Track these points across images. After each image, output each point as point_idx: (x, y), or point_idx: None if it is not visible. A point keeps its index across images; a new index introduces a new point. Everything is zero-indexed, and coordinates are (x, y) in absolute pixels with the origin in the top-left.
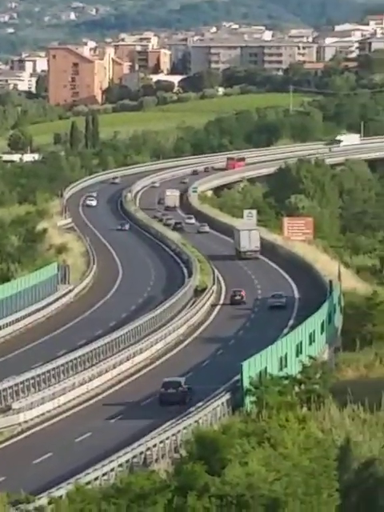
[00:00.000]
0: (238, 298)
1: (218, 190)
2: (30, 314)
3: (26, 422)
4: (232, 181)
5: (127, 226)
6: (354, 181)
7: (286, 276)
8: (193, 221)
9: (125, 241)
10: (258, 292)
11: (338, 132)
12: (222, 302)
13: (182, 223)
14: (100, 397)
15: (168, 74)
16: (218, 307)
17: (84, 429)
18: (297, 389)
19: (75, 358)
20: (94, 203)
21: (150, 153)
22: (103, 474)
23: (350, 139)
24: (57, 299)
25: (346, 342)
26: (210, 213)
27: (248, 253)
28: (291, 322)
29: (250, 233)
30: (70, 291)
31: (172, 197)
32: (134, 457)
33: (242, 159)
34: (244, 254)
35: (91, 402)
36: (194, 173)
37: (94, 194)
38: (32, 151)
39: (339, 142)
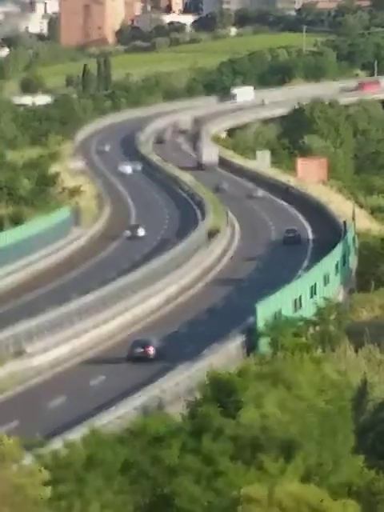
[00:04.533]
0: (291, 235)
1: (231, 131)
2: (43, 257)
3: (40, 365)
4: (245, 121)
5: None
6: (367, 121)
7: (300, 217)
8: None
9: (137, 182)
10: (272, 233)
11: (351, 72)
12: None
13: None
14: (114, 340)
15: (180, 14)
16: (232, 250)
17: (98, 372)
18: (311, 330)
19: (89, 301)
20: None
21: (163, 94)
22: (118, 418)
23: (244, 93)
24: (70, 242)
25: (360, 283)
26: (223, 155)
27: (207, 164)
28: (306, 264)
29: (210, 149)
30: (83, 234)
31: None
32: (149, 399)
33: (376, 82)
34: (204, 166)
35: (105, 345)
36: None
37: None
38: (44, 94)
39: (234, 96)
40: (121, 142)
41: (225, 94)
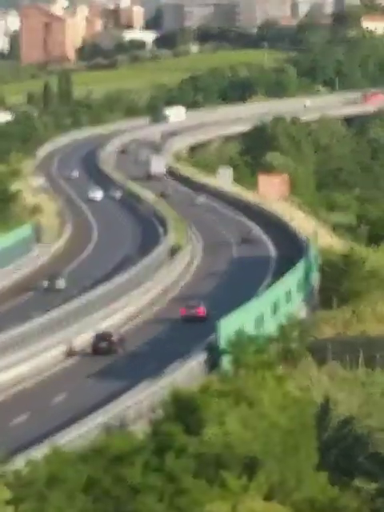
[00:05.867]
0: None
1: (193, 149)
2: (4, 275)
3: (1, 383)
4: (207, 139)
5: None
6: (329, 137)
7: (262, 234)
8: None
9: (99, 200)
10: (233, 251)
11: (312, 88)
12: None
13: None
14: (75, 357)
15: (141, 30)
16: (194, 266)
17: (60, 390)
18: (274, 348)
19: (50, 319)
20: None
21: (124, 111)
22: (80, 436)
23: (176, 114)
24: (32, 259)
25: (323, 300)
26: (185, 172)
27: (155, 174)
28: (268, 281)
29: (158, 159)
30: (45, 252)
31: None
32: (111, 418)
33: (382, 93)
34: (152, 176)
35: (66, 363)
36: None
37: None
38: (5, 111)
39: (166, 117)
40: (82, 160)
41: (157, 114)
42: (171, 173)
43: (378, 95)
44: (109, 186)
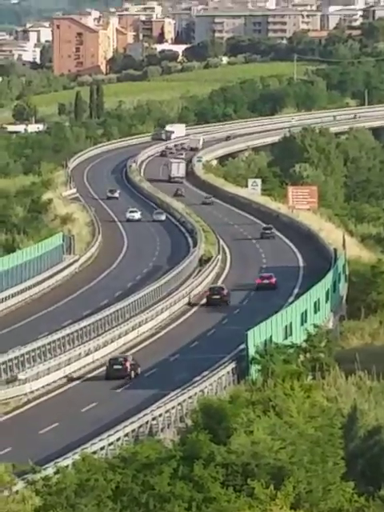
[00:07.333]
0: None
1: (222, 160)
2: (35, 285)
3: (32, 392)
4: (237, 150)
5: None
6: (358, 149)
7: (291, 244)
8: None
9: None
10: (263, 260)
11: (342, 101)
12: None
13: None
14: (106, 367)
15: (172, 43)
16: (223, 277)
17: (90, 399)
18: (302, 357)
19: (81, 328)
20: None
21: (154, 122)
22: (109, 444)
23: (178, 130)
24: (62, 269)
25: (350, 311)
26: (214, 182)
27: (176, 178)
28: (296, 291)
29: (178, 164)
30: (76, 261)
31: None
32: (140, 426)
33: None
34: (173, 179)
35: (97, 371)
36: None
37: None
38: (36, 122)
39: (170, 132)
40: (112, 170)
41: (158, 131)
42: (191, 176)
43: None
44: (147, 205)
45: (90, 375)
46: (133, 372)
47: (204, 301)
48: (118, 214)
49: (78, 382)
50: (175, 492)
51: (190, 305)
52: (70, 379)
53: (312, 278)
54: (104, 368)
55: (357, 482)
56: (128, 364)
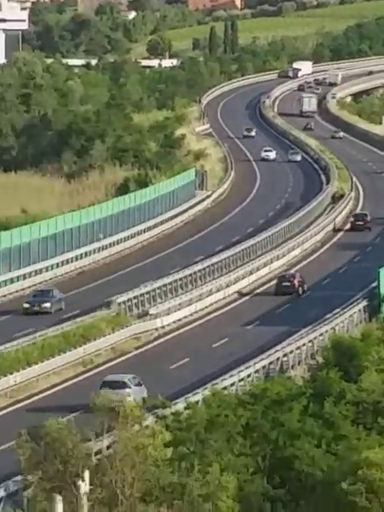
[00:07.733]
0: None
1: (357, 96)
2: (167, 220)
3: (163, 327)
4: (372, 86)
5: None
6: None
7: None
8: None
9: (262, 146)
10: None
11: None
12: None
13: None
14: (237, 303)
15: None
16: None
17: (221, 335)
18: None
19: (212, 264)
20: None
21: (288, 58)
22: (240, 380)
23: (305, 67)
24: (194, 205)
25: None
26: (348, 119)
27: (307, 112)
28: None
29: (310, 98)
30: (208, 197)
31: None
32: (271, 363)
33: None
34: (304, 113)
35: (228, 307)
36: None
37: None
38: (171, 57)
39: (297, 70)
40: (246, 106)
41: (285, 69)
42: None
43: None
44: (284, 145)
45: (258, 291)
46: (301, 288)
47: (348, 226)
48: (253, 153)
49: (209, 317)
50: (305, 429)
51: (335, 230)
52: (241, 294)
53: None
54: (272, 284)
55: None
56: (296, 281)
